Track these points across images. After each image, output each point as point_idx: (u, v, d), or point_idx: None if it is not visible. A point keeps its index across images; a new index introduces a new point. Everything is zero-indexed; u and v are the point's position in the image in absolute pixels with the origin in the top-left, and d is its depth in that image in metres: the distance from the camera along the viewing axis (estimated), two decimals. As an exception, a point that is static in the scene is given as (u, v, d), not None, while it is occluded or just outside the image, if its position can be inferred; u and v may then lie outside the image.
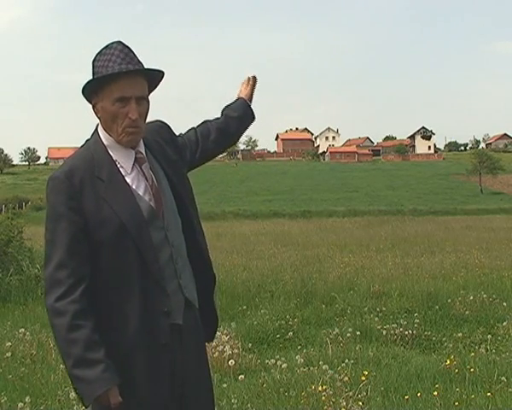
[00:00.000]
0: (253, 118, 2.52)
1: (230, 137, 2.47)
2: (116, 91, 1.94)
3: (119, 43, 2.00)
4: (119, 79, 1.95)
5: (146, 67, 2.02)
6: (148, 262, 1.95)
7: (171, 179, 2.09)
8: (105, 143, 2.03)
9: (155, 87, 2.11)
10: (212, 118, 2.45)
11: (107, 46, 1.99)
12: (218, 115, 2.46)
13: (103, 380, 1.84)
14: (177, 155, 2.19)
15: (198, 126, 2.41)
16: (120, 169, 2.01)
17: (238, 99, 2.50)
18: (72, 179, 1.95)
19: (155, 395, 1.96)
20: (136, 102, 1.96)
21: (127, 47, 2.00)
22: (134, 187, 2.00)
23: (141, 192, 2.00)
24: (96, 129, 2.06)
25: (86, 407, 1.92)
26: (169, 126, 2.25)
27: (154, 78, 2.06)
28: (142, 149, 2.07)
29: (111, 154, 2.02)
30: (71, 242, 1.92)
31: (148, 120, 2.08)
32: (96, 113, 2.02)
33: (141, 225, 1.96)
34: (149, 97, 2.07)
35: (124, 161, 2.02)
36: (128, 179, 2.00)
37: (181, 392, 2.03)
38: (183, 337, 2.04)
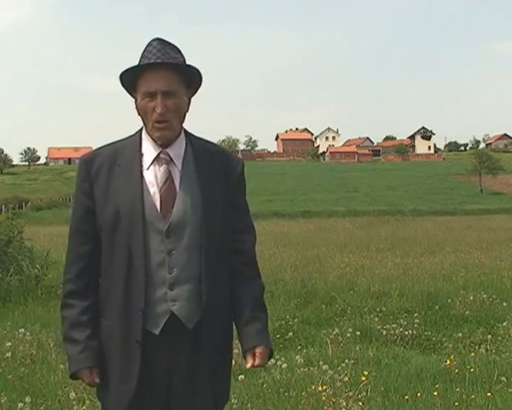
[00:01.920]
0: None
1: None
2: (143, 86, 1.96)
3: (155, 39, 1.99)
4: (144, 74, 1.95)
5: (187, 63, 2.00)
6: (135, 260, 1.94)
7: (204, 197, 1.99)
8: (143, 135, 2.05)
9: (197, 85, 2.06)
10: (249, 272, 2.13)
11: (148, 43, 1.99)
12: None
13: (77, 360, 1.98)
14: (227, 188, 2.07)
15: (245, 249, 2.14)
16: (143, 162, 2.01)
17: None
18: (90, 164, 2.03)
19: (122, 385, 1.97)
20: (163, 96, 1.94)
21: (165, 43, 1.98)
22: (147, 182, 1.98)
23: (151, 190, 1.98)
24: None
25: (71, 378, 2.06)
26: (242, 169, 2.14)
27: (188, 74, 2.01)
28: (174, 151, 2.02)
29: (142, 146, 2.03)
30: (77, 222, 2.05)
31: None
32: (136, 110, 2.03)
33: (136, 220, 1.94)
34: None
35: (147, 155, 2.02)
36: (145, 174, 1.99)
37: (165, 401, 2.00)
38: (167, 350, 1.97)
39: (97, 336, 2.01)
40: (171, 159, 2.02)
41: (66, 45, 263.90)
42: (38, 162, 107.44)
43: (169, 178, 2.00)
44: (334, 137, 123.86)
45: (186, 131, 2.09)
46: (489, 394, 4.20)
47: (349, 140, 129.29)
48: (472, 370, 4.70)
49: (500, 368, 4.82)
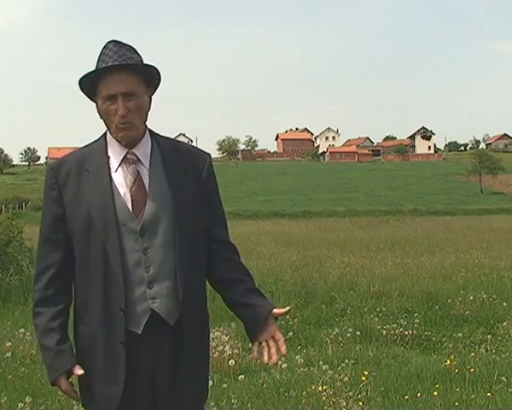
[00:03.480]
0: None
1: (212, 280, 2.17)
2: (103, 90, 1.96)
3: (111, 42, 1.99)
4: (103, 78, 1.95)
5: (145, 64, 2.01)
6: (111, 261, 1.94)
7: (174, 194, 2.01)
8: (107, 138, 2.06)
9: (157, 83, 2.07)
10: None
11: (103, 46, 2.00)
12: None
13: (54, 368, 1.98)
14: (197, 184, 2.08)
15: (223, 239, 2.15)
16: (110, 165, 2.02)
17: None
18: (58, 171, 2.03)
19: (109, 388, 1.96)
20: (124, 98, 1.95)
21: (121, 44, 1.98)
22: (116, 184, 1.99)
23: (121, 191, 1.99)
24: None
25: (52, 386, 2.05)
26: (210, 163, 2.15)
27: (147, 73, 2.02)
28: (140, 151, 2.04)
29: (108, 150, 2.04)
30: (47, 230, 2.04)
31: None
32: (98, 114, 2.04)
33: (109, 221, 1.94)
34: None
35: (114, 157, 2.03)
36: (113, 176, 2.00)
37: (152, 399, 2.00)
38: (150, 349, 1.98)
39: (68, 339, 2.01)
40: (138, 159, 2.03)
41: (65, 45, 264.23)
42: (38, 162, 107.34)
43: (138, 177, 2.01)
44: (334, 137, 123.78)
45: (151, 131, 2.10)
46: (489, 394, 4.20)
47: (349, 140, 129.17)
48: (472, 370, 4.71)
49: (500, 368, 4.83)
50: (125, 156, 2.02)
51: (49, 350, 1.98)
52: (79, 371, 1.97)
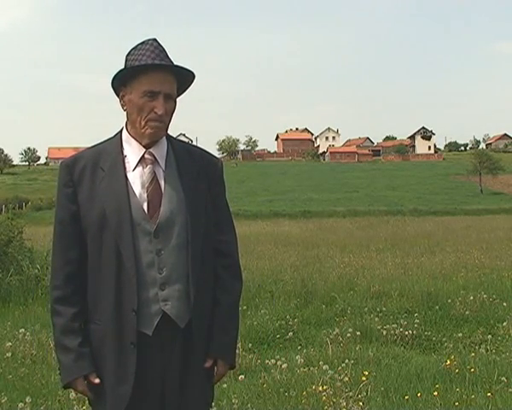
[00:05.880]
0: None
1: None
2: (145, 84, 1.95)
3: (155, 40, 2.01)
4: (149, 73, 1.95)
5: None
6: (125, 261, 1.93)
7: (188, 197, 2.01)
8: (123, 137, 2.05)
9: (184, 91, 2.09)
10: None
11: (142, 42, 2.00)
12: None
13: (71, 370, 1.97)
14: (208, 188, 2.10)
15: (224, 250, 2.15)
16: (126, 164, 2.01)
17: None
18: (72, 167, 2.01)
19: (119, 387, 1.96)
20: (165, 99, 1.96)
21: (161, 46, 2.01)
22: (132, 184, 1.98)
23: (137, 191, 1.98)
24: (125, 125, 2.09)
25: (64, 388, 2.05)
26: (221, 169, 2.19)
27: (183, 79, 2.05)
28: (157, 152, 2.04)
29: (124, 148, 2.03)
30: (62, 227, 2.03)
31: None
32: (122, 105, 2.03)
33: (124, 221, 1.94)
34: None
35: (132, 156, 2.02)
36: (129, 175, 2.00)
37: (161, 400, 2.00)
38: (160, 350, 1.98)
39: (89, 342, 2.00)
40: (155, 159, 2.03)
41: (65, 45, 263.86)
42: (38, 162, 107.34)
43: (154, 178, 2.01)
44: (334, 137, 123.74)
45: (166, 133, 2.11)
46: (489, 394, 4.20)
47: (349, 140, 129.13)
48: (472, 370, 4.71)
49: (500, 368, 4.83)
50: (142, 156, 2.02)
51: (69, 351, 1.96)
52: (96, 379, 1.96)
